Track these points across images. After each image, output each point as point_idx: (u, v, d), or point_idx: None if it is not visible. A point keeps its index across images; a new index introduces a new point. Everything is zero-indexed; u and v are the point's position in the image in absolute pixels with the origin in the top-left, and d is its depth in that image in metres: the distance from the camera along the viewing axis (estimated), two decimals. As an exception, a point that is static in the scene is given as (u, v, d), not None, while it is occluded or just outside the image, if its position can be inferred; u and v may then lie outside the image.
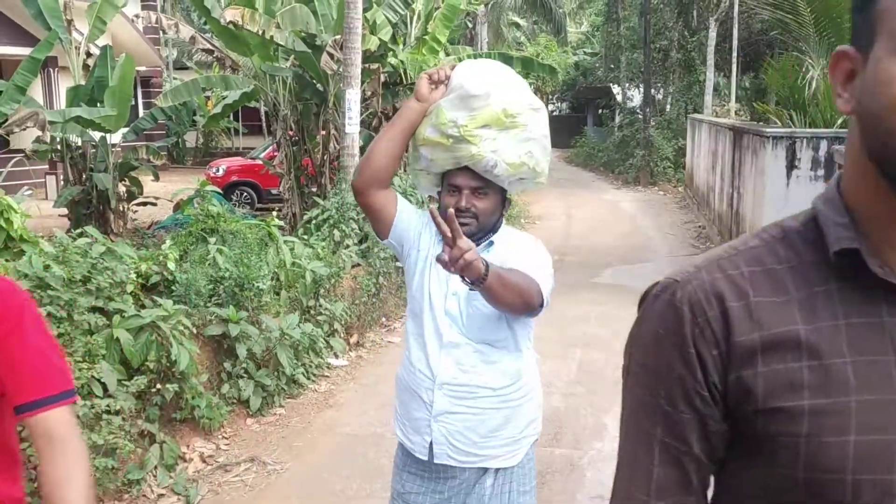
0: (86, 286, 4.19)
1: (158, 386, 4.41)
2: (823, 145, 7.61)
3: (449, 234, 1.95)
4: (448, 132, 2.22)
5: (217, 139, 26.31)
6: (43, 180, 16.99)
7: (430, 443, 2.32)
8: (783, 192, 7.87)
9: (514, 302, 2.12)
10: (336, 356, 6.43)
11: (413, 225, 2.38)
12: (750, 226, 8.87)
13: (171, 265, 5.61)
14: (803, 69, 8.77)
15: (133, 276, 4.71)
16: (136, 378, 4.15)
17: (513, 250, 2.32)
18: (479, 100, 2.20)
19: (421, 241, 2.37)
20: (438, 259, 1.97)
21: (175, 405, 4.72)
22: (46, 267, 4.11)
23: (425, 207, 2.55)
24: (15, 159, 11.12)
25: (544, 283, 2.21)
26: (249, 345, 5.24)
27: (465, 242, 1.95)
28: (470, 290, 2.10)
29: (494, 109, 2.21)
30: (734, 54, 18.84)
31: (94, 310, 4.30)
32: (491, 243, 2.35)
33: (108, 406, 3.94)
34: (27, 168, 16.80)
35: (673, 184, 19.91)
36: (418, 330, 2.36)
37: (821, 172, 7.65)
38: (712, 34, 19.32)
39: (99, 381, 4.12)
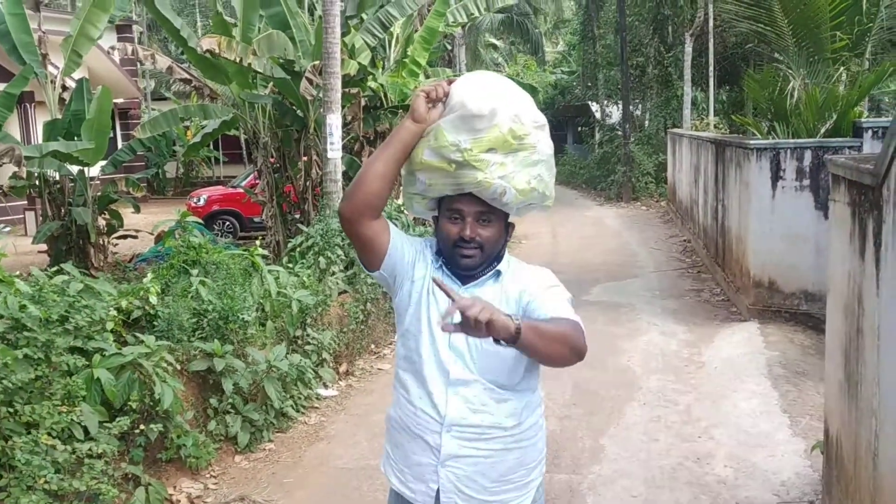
0: (63, 326, 4.04)
1: (142, 426, 4.25)
2: (808, 155, 7.59)
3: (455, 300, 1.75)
4: (450, 156, 2.04)
5: (198, 169, 26.15)
6: (22, 216, 16.79)
7: (437, 490, 2.14)
8: (769, 203, 7.83)
9: (562, 353, 1.90)
10: (325, 386, 6.29)
11: (407, 255, 2.20)
12: (736, 238, 8.84)
13: (153, 299, 5.47)
14: (782, 80, 8.78)
15: (113, 312, 4.56)
16: (118, 419, 3.99)
17: (525, 281, 2.15)
18: (484, 120, 2.02)
19: (415, 270, 2.20)
20: (444, 329, 1.76)
21: (160, 445, 4.57)
22: (22, 307, 3.96)
23: (411, 231, 2.35)
24: (-9, 197, 10.95)
25: (577, 317, 2.02)
26: (236, 379, 5.10)
27: (467, 301, 1.72)
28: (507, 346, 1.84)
29: (501, 131, 2.04)
30: (711, 68, 18.97)
31: (72, 350, 4.14)
32: (497, 274, 2.19)
33: (89, 450, 3.78)
34: (5, 204, 16.66)
35: (655, 198, 19.97)
36: (415, 367, 2.17)
37: (806, 182, 7.62)
38: (688, 49, 19.47)
39: (80, 424, 3.97)
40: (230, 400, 5.11)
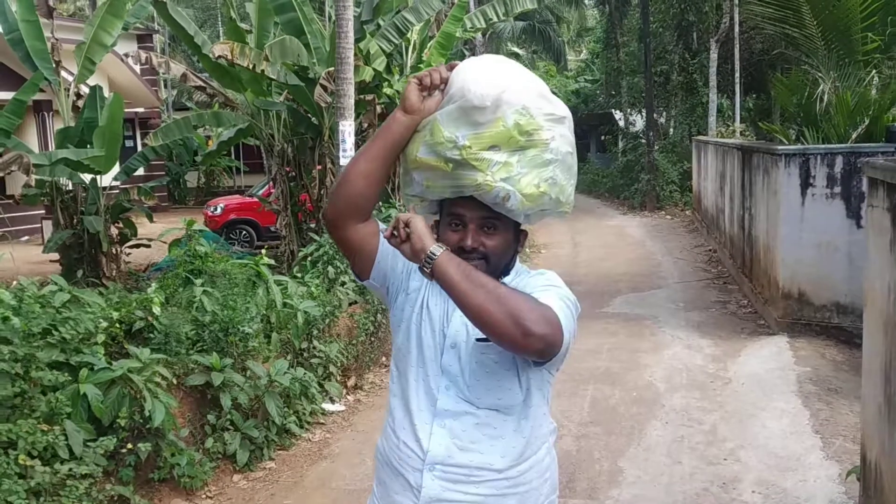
0: (45, 339, 3.83)
1: (129, 445, 4.03)
2: (839, 161, 7.24)
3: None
4: (446, 154, 1.75)
5: (219, 178, 26.19)
6: (40, 225, 16.77)
7: None
8: (798, 211, 7.49)
9: (492, 312, 1.61)
10: (332, 401, 6.04)
11: (399, 263, 1.93)
12: (764, 247, 8.50)
13: (157, 309, 5.27)
14: (811, 84, 8.43)
15: (103, 324, 4.35)
16: (102, 438, 3.77)
17: (522, 285, 1.87)
18: (486, 112, 1.73)
19: (410, 281, 1.94)
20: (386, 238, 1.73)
21: (152, 464, 4.34)
22: (5, 318, 3.76)
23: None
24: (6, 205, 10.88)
25: (560, 311, 1.71)
26: (235, 394, 4.87)
27: (406, 215, 1.72)
28: (428, 280, 1.71)
29: (505, 125, 1.73)
30: (737, 75, 18.60)
31: (58, 364, 3.93)
32: None
33: (69, 470, 3.56)
34: (23, 214, 16.68)
35: (680, 207, 19.59)
36: (404, 392, 1.92)
37: (837, 189, 7.27)
38: (713, 55, 19.10)
39: (65, 442, 3.75)
40: (229, 416, 4.87)
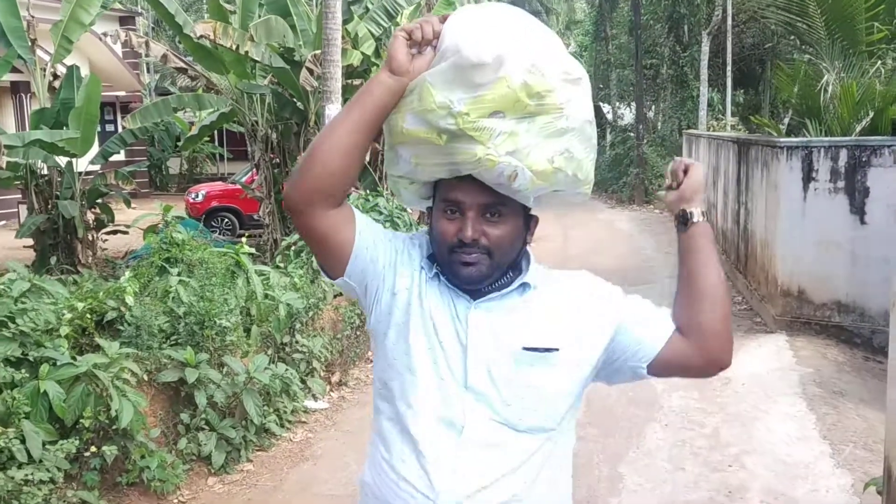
0: (0, 332, 3.51)
1: (93, 447, 3.71)
2: (843, 155, 7.00)
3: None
4: (440, 123, 1.43)
5: (202, 165, 25.76)
6: (16, 210, 16.32)
7: None
8: (800, 205, 7.26)
9: (727, 306, 1.60)
10: (315, 398, 5.74)
11: (381, 256, 1.58)
12: (761, 243, 8.26)
13: (130, 300, 4.95)
14: (813, 75, 8.20)
15: (67, 316, 4.02)
16: (63, 441, 3.45)
17: (575, 295, 1.59)
18: (486, 71, 1.40)
19: (397, 278, 1.58)
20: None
21: (120, 467, 4.03)
22: (-43, 309, 3.44)
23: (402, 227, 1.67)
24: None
25: None
26: (211, 392, 4.56)
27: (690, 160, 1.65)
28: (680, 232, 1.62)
29: (510, 86, 1.41)
30: (728, 68, 18.38)
31: (18, 360, 3.61)
32: (525, 287, 1.58)
33: (27, 475, 3.25)
34: (3, 197, 16.22)
35: (669, 202, 19.38)
36: (401, 419, 1.53)
37: (841, 184, 7.04)
38: (705, 48, 18.86)
39: (23, 445, 3.44)
40: (204, 415, 4.56)
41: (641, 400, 5.72)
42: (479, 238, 1.50)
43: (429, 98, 1.43)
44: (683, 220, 1.60)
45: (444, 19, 1.48)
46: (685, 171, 1.61)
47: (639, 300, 1.63)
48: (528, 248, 1.63)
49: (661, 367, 1.58)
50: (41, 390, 3.57)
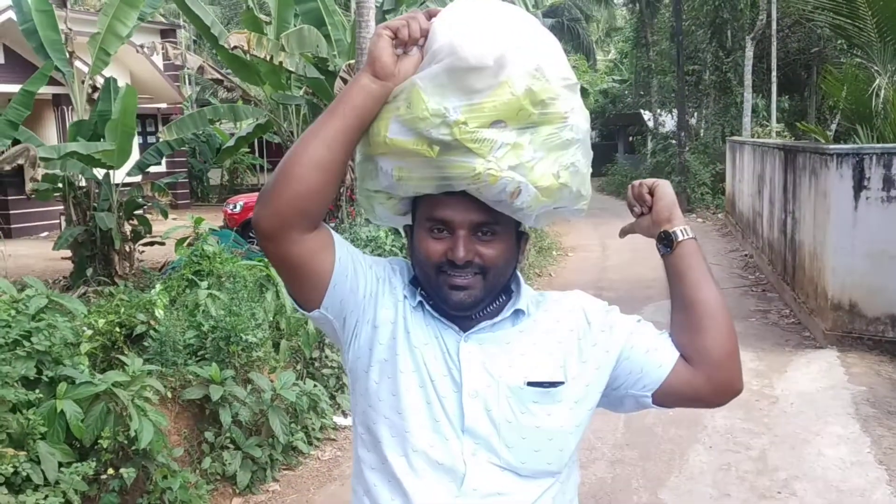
0: (14, 351, 3.42)
1: (111, 469, 3.61)
2: (897, 162, 6.69)
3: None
4: (432, 133, 1.27)
5: (242, 175, 26.00)
6: (58, 221, 16.56)
7: None
8: (850, 215, 6.94)
9: (732, 338, 1.44)
10: (344, 415, 5.60)
11: (362, 285, 1.41)
12: (810, 254, 7.94)
13: (160, 313, 4.87)
14: (865, 79, 7.87)
15: (87, 332, 3.93)
16: (79, 463, 3.34)
17: (573, 320, 1.44)
18: (486, 75, 1.25)
19: (378, 310, 1.41)
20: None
21: (141, 488, 3.92)
22: (-27, 326, 3.36)
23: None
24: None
25: None
26: (236, 409, 4.44)
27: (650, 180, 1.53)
28: (663, 255, 1.48)
29: (514, 92, 1.26)
30: (773, 74, 17.95)
31: (35, 380, 3.53)
32: (518, 314, 1.43)
33: (40, 500, 3.14)
34: (45, 209, 16.49)
35: (712, 210, 18.99)
36: (385, 464, 1.37)
37: (895, 193, 6.71)
38: (749, 53, 18.43)
39: (38, 466, 3.34)
40: (229, 433, 4.44)
41: (683, 419, 5.47)
42: (472, 258, 1.35)
43: (420, 105, 1.27)
44: (667, 243, 1.47)
45: (430, 15, 1.32)
46: (651, 193, 1.50)
47: (639, 324, 1.48)
48: (517, 270, 1.47)
49: (667, 397, 1.44)
50: (58, 410, 3.48)
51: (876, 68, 7.62)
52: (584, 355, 1.42)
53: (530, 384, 1.37)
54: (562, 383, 1.39)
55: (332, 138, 1.29)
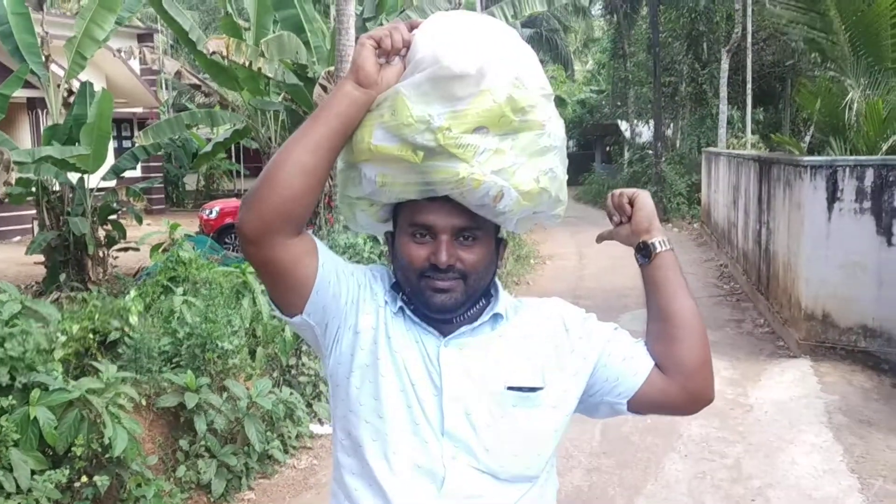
0: (-15, 357, 3.38)
1: (84, 477, 3.56)
2: (869, 174, 6.77)
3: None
4: (416, 139, 1.30)
5: (219, 181, 25.81)
6: (31, 226, 16.35)
7: None
8: (824, 226, 7.03)
9: (706, 349, 1.48)
10: (321, 422, 5.57)
11: (344, 291, 1.43)
12: (784, 264, 8.03)
13: (134, 319, 4.82)
14: (838, 92, 7.99)
15: (61, 339, 3.88)
16: (52, 471, 3.30)
17: (551, 327, 1.47)
18: (468, 83, 1.29)
19: (360, 316, 1.43)
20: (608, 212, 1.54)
21: (115, 496, 3.87)
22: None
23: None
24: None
25: None
26: (211, 417, 4.40)
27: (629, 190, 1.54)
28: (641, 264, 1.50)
29: (495, 99, 1.30)
30: (748, 86, 18.17)
31: (7, 386, 3.47)
32: (497, 318, 1.46)
33: (12, 508, 3.10)
34: (19, 213, 16.26)
35: (687, 220, 19.17)
36: (366, 469, 1.38)
37: (867, 204, 6.81)
38: (725, 66, 18.66)
39: (11, 474, 3.29)
40: (203, 441, 4.40)
41: (659, 428, 5.50)
42: (454, 263, 1.38)
43: (404, 111, 1.30)
44: (646, 253, 1.49)
45: (412, 27, 1.37)
46: (631, 203, 1.51)
47: (616, 332, 1.51)
48: (495, 274, 1.50)
49: (641, 405, 1.48)
50: (31, 417, 3.43)
51: (849, 82, 7.74)
52: (561, 361, 1.45)
53: (510, 388, 1.39)
54: (541, 388, 1.41)
55: (316, 144, 1.32)
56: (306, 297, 1.39)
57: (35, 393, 3.50)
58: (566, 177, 1.50)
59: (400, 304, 1.44)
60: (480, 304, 1.45)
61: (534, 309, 1.51)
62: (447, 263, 1.36)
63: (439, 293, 1.38)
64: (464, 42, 1.31)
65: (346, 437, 1.43)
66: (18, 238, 16.84)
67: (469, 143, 1.31)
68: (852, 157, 7.17)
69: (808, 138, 14.93)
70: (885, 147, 7.35)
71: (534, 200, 1.40)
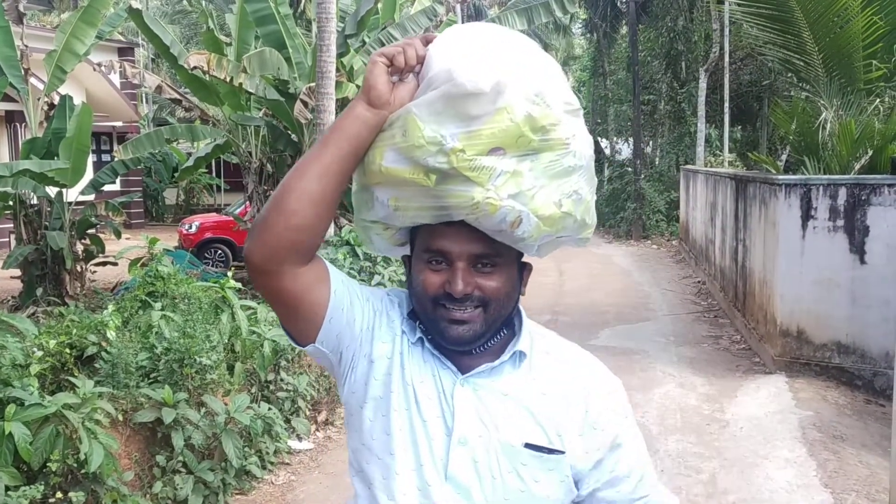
0: (-39, 372, 3.36)
1: (59, 493, 3.54)
2: (842, 193, 6.90)
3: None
4: (428, 161, 1.24)
5: (199, 196, 25.72)
6: (7, 240, 16.19)
7: None
8: (798, 244, 7.14)
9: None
10: (299, 438, 5.56)
11: (359, 318, 1.37)
12: (759, 281, 8.13)
13: (111, 334, 4.79)
14: (811, 112, 8.13)
15: (37, 354, 3.87)
16: (24, 487, 3.28)
17: (581, 388, 1.39)
18: (483, 101, 1.22)
19: (375, 344, 1.37)
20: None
21: (90, 513, 3.84)
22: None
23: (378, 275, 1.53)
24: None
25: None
26: (189, 433, 4.39)
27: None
28: None
29: (513, 118, 1.23)
30: (726, 105, 18.42)
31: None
32: (520, 356, 1.38)
33: (-15, 526, 3.07)
34: (-4, 227, 16.08)
35: (666, 237, 19.34)
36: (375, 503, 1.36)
37: (840, 222, 6.93)
38: (703, 85, 18.91)
39: (-17, 489, 3.27)
40: (181, 457, 4.38)
41: (637, 443, 5.53)
42: (472, 291, 1.31)
43: (416, 132, 1.24)
44: None
45: (426, 41, 1.30)
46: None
47: (642, 454, 1.45)
48: (519, 304, 1.43)
49: None
50: (6, 432, 3.41)
51: (822, 102, 7.88)
52: (585, 432, 1.38)
53: (528, 446, 1.33)
54: (562, 453, 1.35)
55: (325, 169, 1.26)
56: (318, 325, 1.34)
57: (10, 408, 3.48)
58: (594, 198, 1.40)
59: (419, 334, 1.37)
60: (502, 334, 1.38)
61: (563, 362, 1.42)
62: (463, 292, 1.29)
63: (456, 324, 1.31)
64: (479, 57, 1.23)
65: (360, 468, 1.39)
66: (-6, 252, 16.67)
67: (484, 166, 1.23)
68: (826, 176, 7.30)
69: (784, 157, 15.15)
70: (857, 166, 7.48)
71: (555, 225, 1.32)
